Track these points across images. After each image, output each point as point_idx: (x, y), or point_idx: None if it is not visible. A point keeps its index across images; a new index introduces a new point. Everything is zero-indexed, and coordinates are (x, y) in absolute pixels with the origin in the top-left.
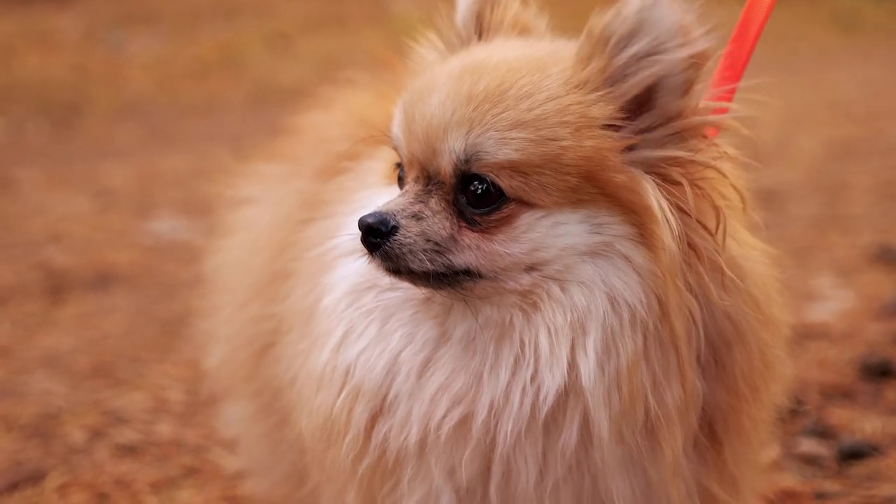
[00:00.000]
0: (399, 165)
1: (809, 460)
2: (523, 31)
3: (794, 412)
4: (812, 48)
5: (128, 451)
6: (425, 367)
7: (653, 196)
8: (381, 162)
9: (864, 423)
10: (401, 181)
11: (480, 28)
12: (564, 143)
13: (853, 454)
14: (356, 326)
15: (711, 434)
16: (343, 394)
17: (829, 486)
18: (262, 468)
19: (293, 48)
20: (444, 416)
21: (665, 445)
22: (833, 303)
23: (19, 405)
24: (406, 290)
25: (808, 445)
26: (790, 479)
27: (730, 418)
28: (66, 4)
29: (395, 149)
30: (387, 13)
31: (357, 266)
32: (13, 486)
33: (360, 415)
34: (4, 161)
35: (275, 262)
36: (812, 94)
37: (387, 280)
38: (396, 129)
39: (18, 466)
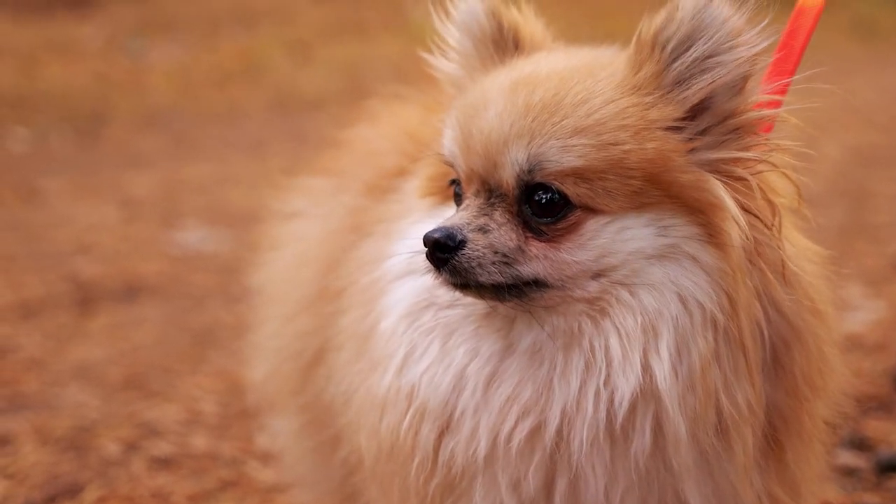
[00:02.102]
0: (454, 182)
1: (848, 472)
2: (539, 44)
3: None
4: (832, 55)
5: (163, 463)
6: (491, 380)
7: (723, 193)
8: (417, 178)
9: None
10: (457, 197)
11: (517, 43)
12: (626, 147)
13: (891, 467)
14: (417, 346)
15: (773, 436)
16: (409, 415)
17: (869, 498)
18: (308, 482)
19: (313, 55)
20: (515, 427)
21: (737, 446)
22: (864, 313)
23: (54, 418)
24: (466, 307)
25: (846, 457)
26: (831, 491)
27: (791, 420)
28: (88, 13)
29: (451, 165)
30: (406, 20)
31: (411, 287)
32: (51, 500)
33: (428, 434)
34: (30, 171)
35: (324, 277)
36: (833, 101)
37: (445, 298)
38: (452, 145)
39: (55, 479)
